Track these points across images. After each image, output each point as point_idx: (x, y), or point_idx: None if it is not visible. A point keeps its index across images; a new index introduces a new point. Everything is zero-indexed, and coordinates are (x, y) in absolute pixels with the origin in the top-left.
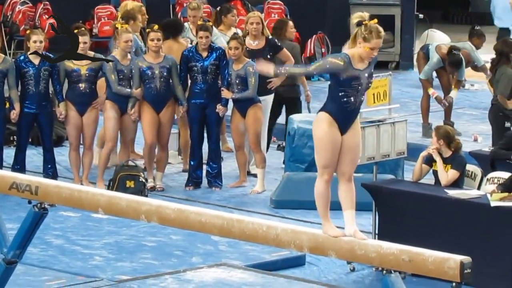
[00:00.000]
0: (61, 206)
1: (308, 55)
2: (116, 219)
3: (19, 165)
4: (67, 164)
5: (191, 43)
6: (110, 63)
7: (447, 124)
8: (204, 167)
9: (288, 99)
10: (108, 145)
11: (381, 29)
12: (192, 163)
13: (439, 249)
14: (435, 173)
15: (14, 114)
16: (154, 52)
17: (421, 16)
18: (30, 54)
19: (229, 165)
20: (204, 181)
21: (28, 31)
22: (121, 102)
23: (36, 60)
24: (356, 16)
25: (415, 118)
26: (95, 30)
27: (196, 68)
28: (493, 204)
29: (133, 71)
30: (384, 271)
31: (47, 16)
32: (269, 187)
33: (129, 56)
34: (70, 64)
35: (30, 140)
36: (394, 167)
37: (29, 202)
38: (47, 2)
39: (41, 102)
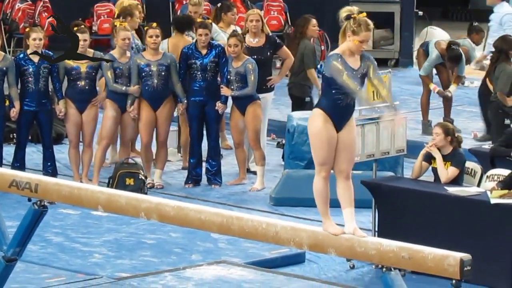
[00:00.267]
0: (61, 203)
1: None
2: (116, 217)
3: (18, 163)
4: (66, 162)
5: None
6: None
7: (446, 121)
8: (204, 164)
9: (294, 97)
10: (103, 143)
11: (370, 21)
12: (191, 160)
13: (438, 247)
14: (435, 170)
15: (14, 112)
16: (153, 49)
17: (420, 13)
18: (30, 54)
19: (228, 163)
20: (204, 178)
21: (27, 29)
22: (120, 100)
23: (35, 58)
24: (344, 10)
25: (414, 115)
26: (94, 28)
27: (195, 66)
28: (493, 201)
29: (132, 68)
30: (384, 269)
31: (46, 14)
32: (268, 184)
33: (128, 53)
34: (70, 62)
35: (29, 137)
36: (394, 164)
37: (29, 200)
38: (47, 0)
39: (41, 100)
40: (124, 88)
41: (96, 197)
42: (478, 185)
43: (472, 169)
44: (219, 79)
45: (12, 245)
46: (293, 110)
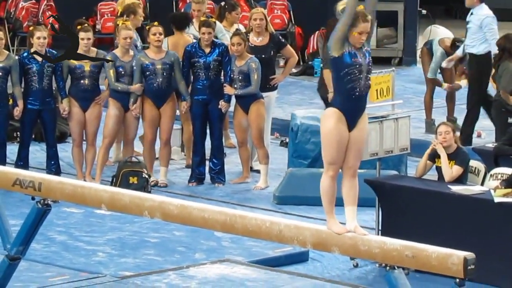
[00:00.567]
0: (64, 202)
1: (311, 51)
2: (119, 215)
3: (22, 162)
4: (70, 160)
5: (195, 39)
6: (109, 58)
7: (450, 120)
8: (207, 163)
9: (323, 98)
10: (105, 142)
11: (367, 13)
12: (195, 159)
13: (442, 245)
14: (439, 169)
15: (17, 111)
16: (156, 47)
17: (424, 12)
18: (32, 53)
19: (232, 161)
20: (207, 177)
21: (31, 28)
22: (123, 99)
23: (39, 57)
24: (341, 4)
25: (418, 114)
26: (98, 27)
27: (198, 64)
28: (496, 200)
29: (135, 66)
30: (388, 267)
31: (50, 13)
32: (272, 183)
33: (131, 52)
34: (74, 61)
35: (33, 136)
36: (397, 163)
37: (33, 199)
38: None
39: (45, 99)
40: (126, 86)
41: (100, 196)
42: (482, 184)
43: (475, 168)
44: (222, 77)
45: (16, 243)
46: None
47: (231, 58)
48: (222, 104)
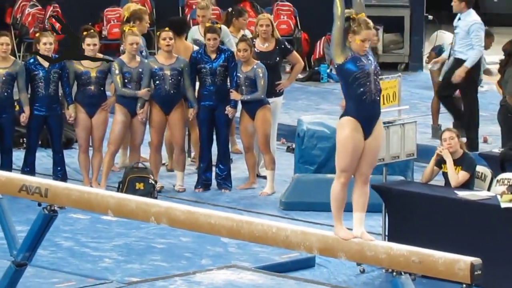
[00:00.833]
0: (71, 208)
1: (317, 57)
2: (126, 221)
3: (28, 168)
4: (76, 166)
5: (195, 44)
6: (116, 64)
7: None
8: (213, 169)
9: None
10: (110, 148)
11: (369, 20)
12: (201, 165)
13: (449, 251)
14: (445, 174)
15: (23, 117)
16: (166, 52)
17: (430, 17)
18: (33, 52)
19: (238, 167)
20: (214, 183)
21: (37, 34)
22: (130, 105)
23: (45, 63)
24: (346, 12)
25: (424, 119)
26: (104, 33)
27: (205, 70)
28: (503, 205)
29: (144, 71)
30: (394, 273)
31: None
32: (278, 188)
33: (137, 58)
34: (80, 67)
35: (39, 142)
36: (404, 169)
37: (39, 205)
38: (57, 5)
39: (51, 105)
40: (133, 91)
41: (106, 202)
42: (488, 189)
43: (482, 173)
44: (228, 83)
45: (22, 250)
46: None
47: (237, 64)
48: (228, 109)
